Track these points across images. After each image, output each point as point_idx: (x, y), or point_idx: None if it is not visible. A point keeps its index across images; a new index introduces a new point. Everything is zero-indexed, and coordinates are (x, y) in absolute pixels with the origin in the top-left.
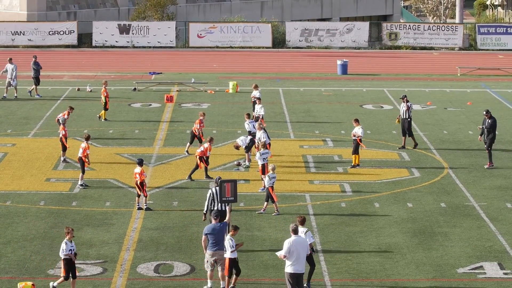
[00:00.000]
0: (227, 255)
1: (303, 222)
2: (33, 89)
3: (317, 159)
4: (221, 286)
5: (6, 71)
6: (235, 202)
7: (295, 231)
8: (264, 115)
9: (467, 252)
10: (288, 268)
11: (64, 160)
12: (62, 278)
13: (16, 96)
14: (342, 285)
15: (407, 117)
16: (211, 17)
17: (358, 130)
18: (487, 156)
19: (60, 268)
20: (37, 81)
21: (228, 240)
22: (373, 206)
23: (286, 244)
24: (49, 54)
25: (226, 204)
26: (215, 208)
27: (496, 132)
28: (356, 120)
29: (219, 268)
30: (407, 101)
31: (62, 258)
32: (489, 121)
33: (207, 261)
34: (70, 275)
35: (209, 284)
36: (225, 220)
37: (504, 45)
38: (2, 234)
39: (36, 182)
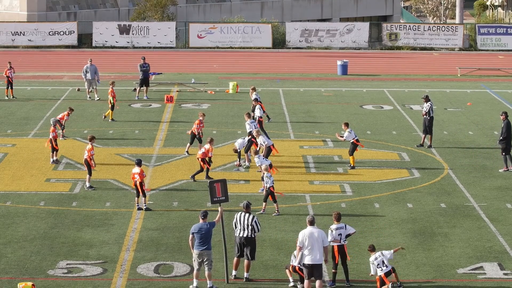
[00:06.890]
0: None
1: (338, 218)
2: (139, 90)
3: (317, 159)
4: (208, 286)
5: (88, 71)
6: (227, 201)
7: (311, 223)
8: (263, 116)
9: (467, 253)
10: (303, 259)
11: (56, 161)
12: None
13: (98, 98)
14: (342, 285)
15: (428, 116)
16: (211, 17)
17: (348, 136)
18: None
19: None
20: (144, 82)
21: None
22: (373, 206)
23: (300, 235)
24: (49, 54)
25: (219, 204)
26: (240, 235)
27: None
28: (346, 124)
29: (206, 268)
30: (428, 101)
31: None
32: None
33: (194, 260)
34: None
35: (194, 284)
36: (213, 220)
37: (504, 46)
38: (2, 234)
39: (36, 182)
